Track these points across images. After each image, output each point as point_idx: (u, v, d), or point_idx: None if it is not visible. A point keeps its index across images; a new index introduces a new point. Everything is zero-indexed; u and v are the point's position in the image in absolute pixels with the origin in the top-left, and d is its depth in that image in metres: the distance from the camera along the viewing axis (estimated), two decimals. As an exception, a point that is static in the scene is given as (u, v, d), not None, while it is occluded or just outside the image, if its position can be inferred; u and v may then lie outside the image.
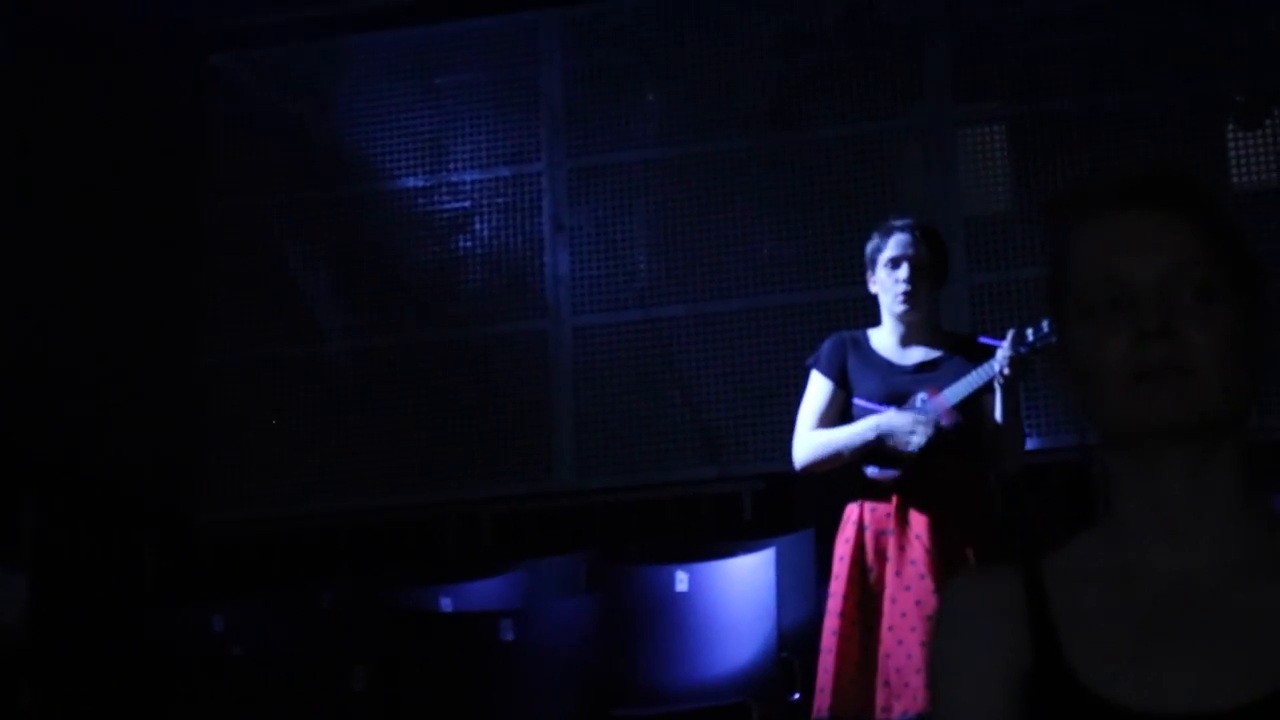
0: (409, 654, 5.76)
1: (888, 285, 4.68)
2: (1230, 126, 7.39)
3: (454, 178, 7.92)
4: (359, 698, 5.58)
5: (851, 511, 4.62)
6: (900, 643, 4.37)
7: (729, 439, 7.41)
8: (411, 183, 7.95)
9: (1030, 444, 6.86)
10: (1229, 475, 1.44)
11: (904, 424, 4.55)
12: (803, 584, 5.81)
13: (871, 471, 4.63)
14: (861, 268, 4.80)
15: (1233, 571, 1.41)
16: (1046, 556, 1.49)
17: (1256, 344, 1.43)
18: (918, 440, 4.53)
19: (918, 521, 4.49)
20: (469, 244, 7.86)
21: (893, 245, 4.69)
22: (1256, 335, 1.43)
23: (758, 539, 5.98)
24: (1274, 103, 7.35)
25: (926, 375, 4.63)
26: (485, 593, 6.39)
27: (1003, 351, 4.46)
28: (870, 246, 4.74)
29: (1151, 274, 1.40)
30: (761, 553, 5.70)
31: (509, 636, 5.65)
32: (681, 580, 5.77)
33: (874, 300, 4.78)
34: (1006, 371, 4.44)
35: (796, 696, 5.42)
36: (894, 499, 4.55)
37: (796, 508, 6.75)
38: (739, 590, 5.69)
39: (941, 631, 1.50)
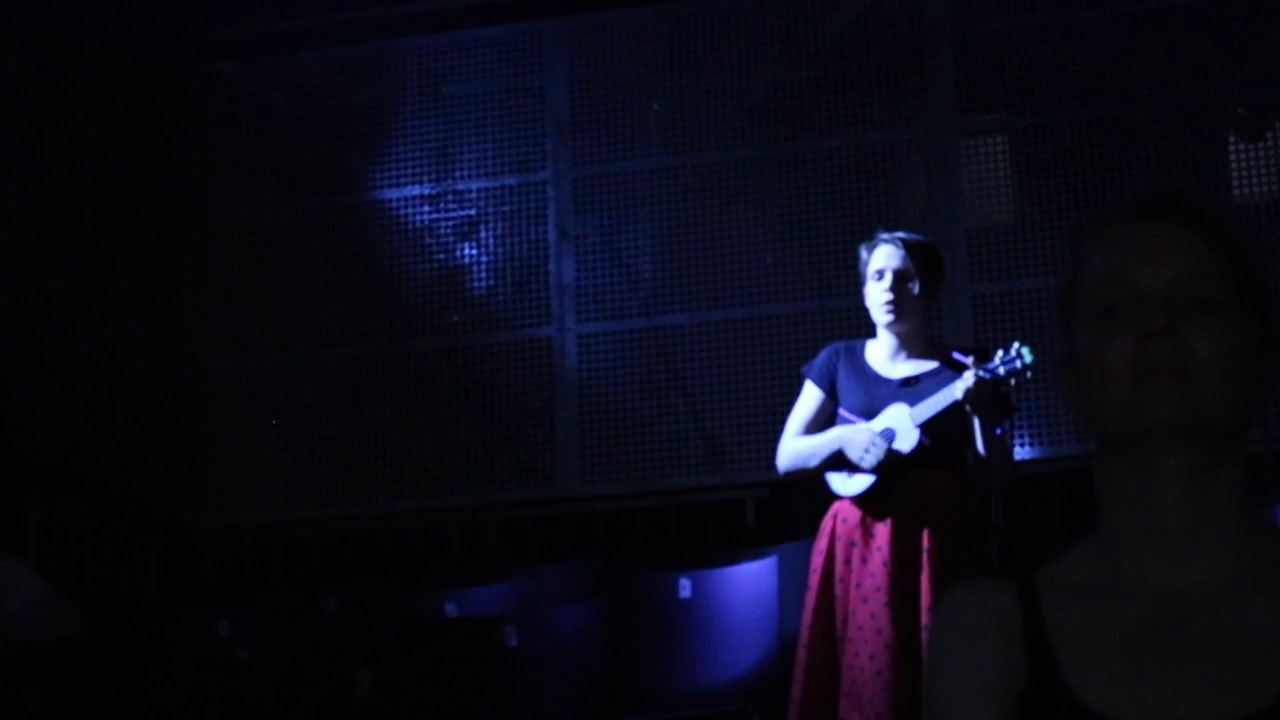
0: (413, 659, 5.79)
1: (874, 297, 4.71)
2: (1232, 138, 7.40)
3: (460, 186, 7.94)
4: (364, 702, 5.62)
5: (826, 522, 4.66)
6: (857, 654, 4.40)
7: (732, 446, 7.42)
8: (418, 190, 7.98)
9: (1031, 453, 6.92)
10: (1227, 487, 1.45)
11: (860, 441, 4.57)
12: (805, 591, 5.83)
13: (835, 482, 4.66)
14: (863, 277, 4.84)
15: (1226, 586, 1.42)
16: (1040, 569, 1.50)
17: (1260, 358, 1.45)
18: (869, 460, 4.54)
19: (880, 534, 4.51)
20: (475, 252, 7.89)
21: (876, 257, 4.72)
22: (1261, 349, 1.45)
23: (761, 546, 6.01)
24: (1275, 115, 7.37)
25: (910, 390, 4.65)
26: (489, 598, 6.42)
27: (965, 376, 4.44)
28: (860, 261, 4.78)
29: (1161, 281, 1.44)
30: (764, 560, 5.73)
31: (513, 642, 5.68)
32: (685, 587, 5.80)
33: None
34: (963, 398, 4.42)
35: (798, 703, 5.44)
36: (860, 510, 4.58)
37: (797, 515, 6.77)
38: (742, 597, 5.72)
39: (937, 647, 1.50)
